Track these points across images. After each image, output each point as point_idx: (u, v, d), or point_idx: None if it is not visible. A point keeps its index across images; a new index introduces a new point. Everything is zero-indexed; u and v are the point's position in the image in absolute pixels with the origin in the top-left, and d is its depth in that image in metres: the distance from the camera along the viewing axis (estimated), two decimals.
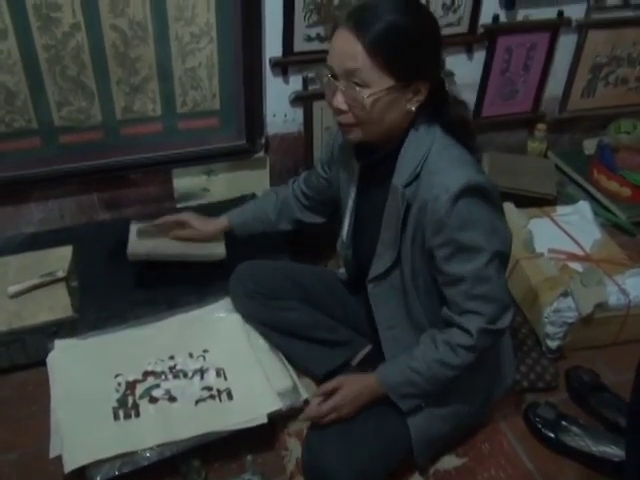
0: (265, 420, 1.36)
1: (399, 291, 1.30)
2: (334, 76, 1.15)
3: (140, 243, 1.67)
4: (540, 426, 1.44)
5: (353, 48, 1.09)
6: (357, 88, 1.12)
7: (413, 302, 1.29)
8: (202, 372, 1.50)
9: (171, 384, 1.46)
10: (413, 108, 1.16)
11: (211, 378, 1.48)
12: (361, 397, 1.28)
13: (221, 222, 1.63)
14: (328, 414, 1.27)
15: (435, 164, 1.16)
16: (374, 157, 1.27)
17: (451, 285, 1.19)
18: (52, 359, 1.50)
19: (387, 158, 1.23)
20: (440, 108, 1.19)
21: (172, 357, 1.53)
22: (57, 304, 1.64)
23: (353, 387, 1.29)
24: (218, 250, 1.66)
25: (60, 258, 1.78)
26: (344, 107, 1.16)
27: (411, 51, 1.11)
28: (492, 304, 1.19)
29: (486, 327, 1.19)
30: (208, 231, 1.63)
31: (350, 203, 1.38)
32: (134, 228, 1.71)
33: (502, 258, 1.19)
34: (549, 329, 1.60)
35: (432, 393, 1.27)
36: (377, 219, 1.28)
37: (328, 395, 1.30)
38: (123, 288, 1.70)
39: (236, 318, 1.61)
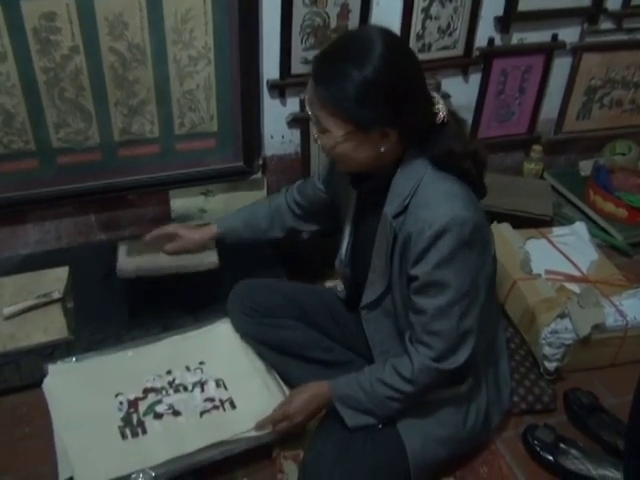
0: (271, 428, 1.37)
1: (392, 316, 1.31)
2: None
3: (129, 260, 1.65)
4: (539, 449, 1.43)
5: (312, 96, 1.14)
6: (317, 134, 1.18)
7: (405, 327, 1.28)
8: (202, 384, 1.51)
9: (173, 399, 1.47)
10: (383, 149, 1.16)
11: (211, 389, 1.50)
12: (310, 405, 1.32)
13: (210, 229, 1.59)
14: (279, 421, 1.34)
15: (423, 197, 1.17)
16: (367, 185, 1.28)
17: (414, 313, 1.22)
18: (48, 385, 1.48)
19: (381, 186, 1.24)
20: (426, 144, 1.18)
21: (169, 372, 1.53)
22: (52, 325, 1.63)
23: (302, 397, 1.33)
24: (210, 258, 1.63)
25: (56, 279, 1.77)
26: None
27: (366, 104, 1.10)
28: (445, 343, 1.19)
29: (429, 364, 1.20)
30: (196, 239, 1.58)
31: (348, 225, 1.39)
32: (123, 248, 1.69)
33: (470, 300, 1.19)
34: (547, 350, 1.59)
35: (377, 414, 1.27)
36: (371, 245, 1.28)
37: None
38: (119, 309, 1.70)
39: (226, 327, 1.62)
